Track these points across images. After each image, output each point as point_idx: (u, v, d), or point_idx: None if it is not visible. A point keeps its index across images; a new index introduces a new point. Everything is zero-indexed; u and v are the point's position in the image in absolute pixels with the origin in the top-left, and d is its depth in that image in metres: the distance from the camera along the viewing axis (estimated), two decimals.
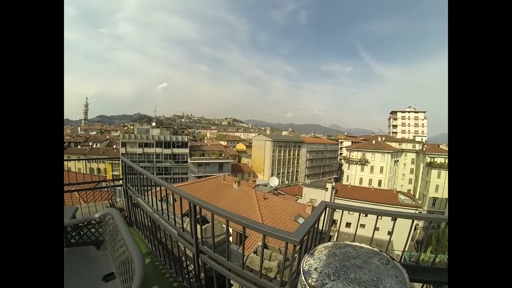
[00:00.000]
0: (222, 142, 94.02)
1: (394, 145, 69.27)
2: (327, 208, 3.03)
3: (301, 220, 22.92)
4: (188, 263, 3.46)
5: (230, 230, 20.35)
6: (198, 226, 2.99)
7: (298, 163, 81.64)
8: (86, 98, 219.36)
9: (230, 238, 20.38)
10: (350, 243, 2.20)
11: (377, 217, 3.06)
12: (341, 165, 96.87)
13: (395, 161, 64.47)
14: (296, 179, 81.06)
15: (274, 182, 49.97)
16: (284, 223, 21.59)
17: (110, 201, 5.51)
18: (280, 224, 21.13)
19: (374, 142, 67.36)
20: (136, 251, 2.17)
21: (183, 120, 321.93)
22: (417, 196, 55.90)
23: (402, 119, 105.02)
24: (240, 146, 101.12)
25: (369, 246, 2.16)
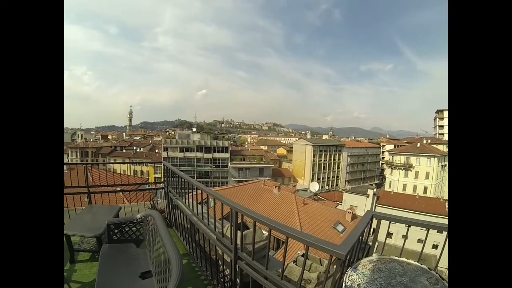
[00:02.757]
0: (263, 147, 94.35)
1: (441, 148, 63.38)
2: (373, 219, 2.86)
3: (340, 228, 22.45)
4: (224, 267, 3.45)
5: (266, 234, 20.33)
6: (239, 233, 2.96)
7: (338, 167, 79.92)
8: (130, 106, 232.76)
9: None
10: (397, 258, 2.11)
11: (428, 230, 2.80)
12: (383, 170, 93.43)
13: (442, 165, 59.28)
14: (336, 184, 79.29)
15: (314, 187, 49.32)
16: (322, 230, 21.25)
17: (151, 202, 5.69)
18: (319, 231, 20.79)
19: (419, 145, 62.68)
20: (174, 253, 2.20)
21: (223, 125, 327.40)
22: None
23: None
24: (281, 151, 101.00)
25: (417, 263, 2.06)
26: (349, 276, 1.75)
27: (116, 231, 3.48)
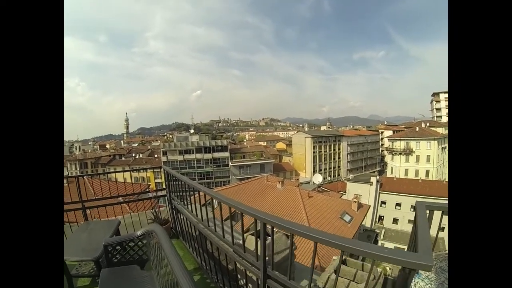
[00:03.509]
0: (262, 143, 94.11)
1: (440, 130, 64.05)
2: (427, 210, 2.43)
3: (347, 218, 22.17)
4: (249, 285, 2.92)
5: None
6: (260, 242, 2.43)
7: (339, 157, 79.69)
8: (126, 113, 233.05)
9: None
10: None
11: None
12: (383, 156, 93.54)
13: (442, 148, 59.38)
14: (338, 175, 79.27)
15: (318, 179, 49.16)
16: (330, 222, 20.96)
17: (153, 211, 5.29)
18: (326, 223, 20.54)
19: (418, 129, 62.96)
20: (183, 275, 1.83)
21: (220, 124, 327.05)
22: None
23: (446, 100, 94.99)
24: (280, 145, 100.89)
25: None
26: (415, 284, 1.42)
27: (115, 252, 3.03)
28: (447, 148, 61.66)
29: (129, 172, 61.52)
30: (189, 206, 4.11)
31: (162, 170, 5.65)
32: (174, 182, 4.90)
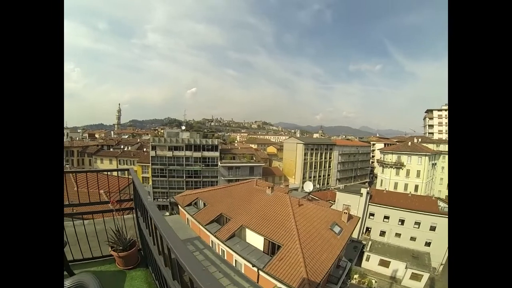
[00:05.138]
0: (253, 145, 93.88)
1: (431, 146, 66.45)
2: None
3: (336, 229, 21.53)
4: None
5: (262, 238, 19.29)
6: None
7: (329, 166, 79.60)
8: (119, 104, 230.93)
9: (261, 247, 19.34)
10: None
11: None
12: (373, 168, 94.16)
13: (432, 164, 61.67)
14: (328, 183, 79.25)
15: (309, 187, 48.65)
16: (319, 232, 20.29)
17: (116, 230, 3.98)
18: (316, 234, 19.86)
19: (410, 144, 64.16)
20: None
21: (212, 123, 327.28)
22: None
23: (438, 118, 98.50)
24: (271, 149, 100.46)
25: None
26: None
27: None
28: (436, 165, 64.49)
29: (116, 165, 60.64)
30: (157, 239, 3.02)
31: (127, 174, 4.47)
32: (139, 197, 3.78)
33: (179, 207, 29.02)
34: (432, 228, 37.60)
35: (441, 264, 39.14)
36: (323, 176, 78.47)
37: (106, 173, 6.76)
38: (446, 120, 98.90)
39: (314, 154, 74.87)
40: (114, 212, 4.13)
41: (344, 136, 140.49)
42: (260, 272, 17.48)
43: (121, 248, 3.72)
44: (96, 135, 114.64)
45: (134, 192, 4.16)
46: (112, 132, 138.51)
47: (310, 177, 72.73)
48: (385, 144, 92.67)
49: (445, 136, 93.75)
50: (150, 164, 57.97)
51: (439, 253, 37.77)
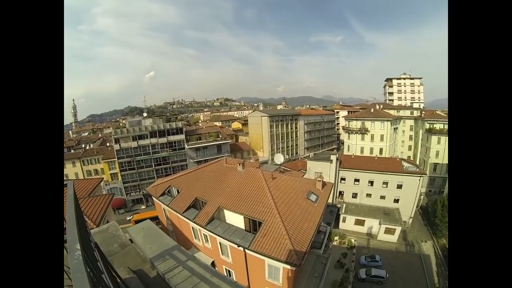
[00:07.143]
0: (217, 123, 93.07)
1: (392, 112, 70.09)
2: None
3: (313, 197, 21.78)
4: None
5: (242, 217, 19.14)
6: None
7: (296, 136, 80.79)
8: (73, 100, 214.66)
9: (243, 226, 19.21)
10: None
11: None
12: (339, 135, 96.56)
13: (394, 128, 64.93)
14: (296, 153, 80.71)
15: (280, 159, 49.05)
16: (297, 203, 20.44)
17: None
18: (294, 205, 19.99)
19: (372, 110, 67.31)
20: None
21: (174, 106, 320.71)
22: (417, 163, 56.33)
23: (398, 86, 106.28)
24: (236, 125, 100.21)
25: None
26: None
27: None
28: (398, 129, 68.36)
29: (80, 166, 56.41)
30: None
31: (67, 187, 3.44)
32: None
33: (153, 198, 28.33)
34: (399, 186, 40.83)
35: (410, 217, 42.15)
36: (291, 146, 79.73)
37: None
38: (405, 88, 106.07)
39: (279, 125, 75.64)
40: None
41: (308, 106, 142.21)
42: (247, 251, 17.51)
43: None
44: None
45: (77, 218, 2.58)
46: (70, 132, 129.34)
47: (279, 149, 73.90)
48: (348, 112, 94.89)
49: (404, 102, 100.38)
50: (116, 159, 55.86)
51: (407, 208, 41.23)
